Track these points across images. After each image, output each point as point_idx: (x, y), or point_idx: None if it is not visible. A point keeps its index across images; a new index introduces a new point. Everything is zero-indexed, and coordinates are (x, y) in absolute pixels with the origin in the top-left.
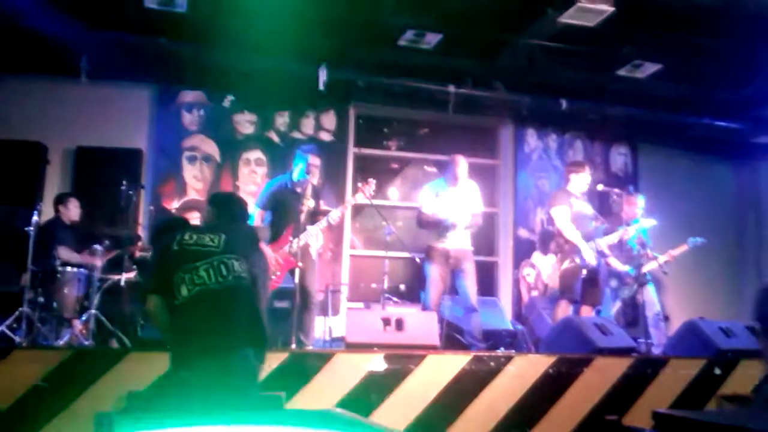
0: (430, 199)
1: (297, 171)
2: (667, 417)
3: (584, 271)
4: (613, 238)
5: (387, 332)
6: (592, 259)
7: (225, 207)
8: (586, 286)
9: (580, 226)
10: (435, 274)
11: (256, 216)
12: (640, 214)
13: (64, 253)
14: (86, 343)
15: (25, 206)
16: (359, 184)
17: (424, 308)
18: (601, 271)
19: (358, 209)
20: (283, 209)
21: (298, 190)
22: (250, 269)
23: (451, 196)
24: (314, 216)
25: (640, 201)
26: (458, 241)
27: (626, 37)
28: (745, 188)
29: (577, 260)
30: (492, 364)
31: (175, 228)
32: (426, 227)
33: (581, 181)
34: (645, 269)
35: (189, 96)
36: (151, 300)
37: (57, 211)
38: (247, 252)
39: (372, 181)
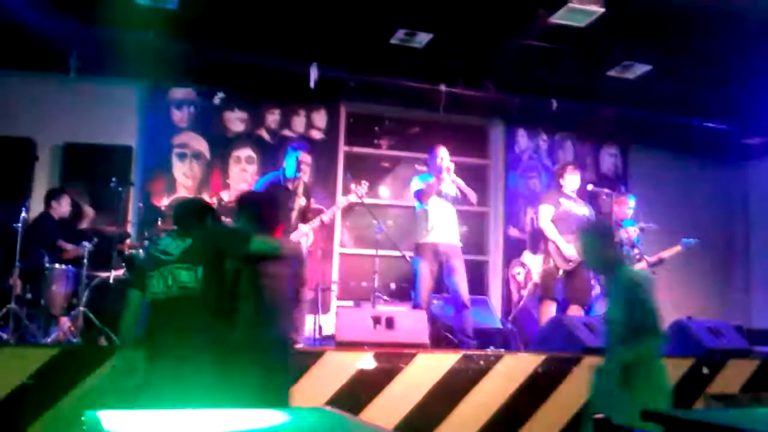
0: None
1: (289, 168)
2: (655, 416)
3: (561, 272)
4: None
5: (377, 331)
6: (561, 262)
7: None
8: (572, 285)
9: (567, 225)
10: (424, 270)
11: None
12: (630, 215)
13: (65, 245)
14: (74, 340)
15: (13, 202)
16: (352, 185)
17: (415, 306)
18: (587, 271)
19: (348, 207)
20: None
21: (291, 187)
22: (211, 278)
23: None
24: (304, 214)
25: (630, 201)
26: (447, 236)
27: (616, 38)
28: (735, 188)
29: (551, 261)
30: (482, 362)
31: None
32: (425, 197)
33: (571, 180)
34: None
35: (179, 93)
36: (130, 293)
37: (48, 206)
38: (209, 260)
39: (365, 183)
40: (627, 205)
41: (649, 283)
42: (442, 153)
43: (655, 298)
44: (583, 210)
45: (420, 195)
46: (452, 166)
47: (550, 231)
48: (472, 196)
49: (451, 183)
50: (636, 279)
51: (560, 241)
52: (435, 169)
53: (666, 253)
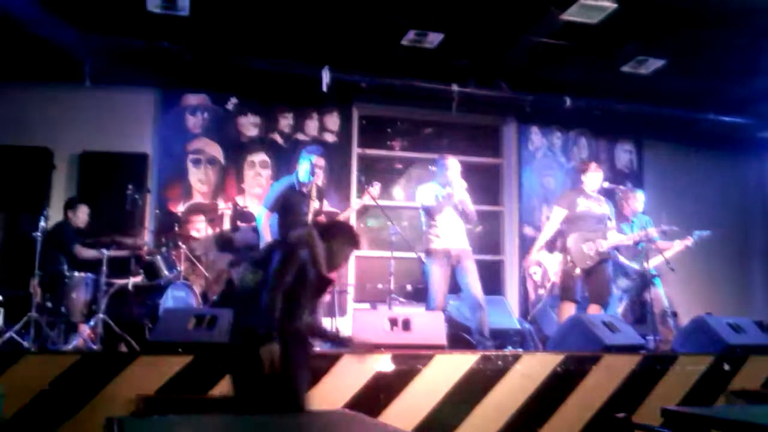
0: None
1: (303, 172)
2: (676, 414)
3: (577, 271)
4: (634, 237)
5: (394, 332)
6: (579, 259)
7: None
8: (591, 284)
9: (587, 225)
10: (437, 275)
11: (263, 217)
12: (640, 209)
13: (82, 251)
14: (94, 347)
15: (31, 211)
16: (365, 186)
17: (429, 310)
18: (606, 269)
19: (363, 209)
20: (290, 210)
21: (305, 191)
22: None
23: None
24: (317, 217)
25: (640, 196)
26: (457, 241)
27: (630, 33)
28: (752, 183)
29: (569, 260)
30: (500, 363)
31: None
32: (437, 212)
33: (592, 179)
34: (651, 265)
35: (193, 99)
36: None
37: (66, 215)
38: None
39: (377, 184)
40: (637, 200)
41: None
42: (452, 165)
43: None
44: (603, 209)
45: (430, 211)
46: (464, 184)
47: (549, 229)
48: (472, 216)
49: (462, 193)
50: None
51: (570, 245)
52: (444, 180)
53: (679, 246)
